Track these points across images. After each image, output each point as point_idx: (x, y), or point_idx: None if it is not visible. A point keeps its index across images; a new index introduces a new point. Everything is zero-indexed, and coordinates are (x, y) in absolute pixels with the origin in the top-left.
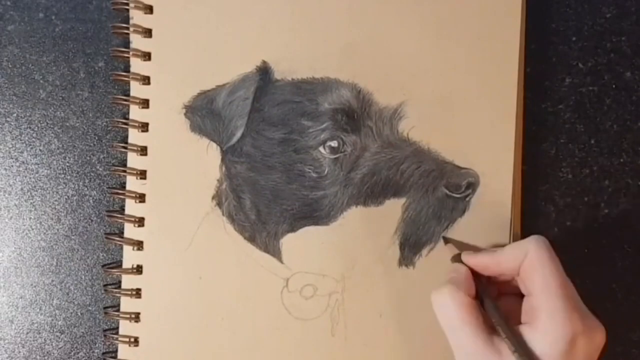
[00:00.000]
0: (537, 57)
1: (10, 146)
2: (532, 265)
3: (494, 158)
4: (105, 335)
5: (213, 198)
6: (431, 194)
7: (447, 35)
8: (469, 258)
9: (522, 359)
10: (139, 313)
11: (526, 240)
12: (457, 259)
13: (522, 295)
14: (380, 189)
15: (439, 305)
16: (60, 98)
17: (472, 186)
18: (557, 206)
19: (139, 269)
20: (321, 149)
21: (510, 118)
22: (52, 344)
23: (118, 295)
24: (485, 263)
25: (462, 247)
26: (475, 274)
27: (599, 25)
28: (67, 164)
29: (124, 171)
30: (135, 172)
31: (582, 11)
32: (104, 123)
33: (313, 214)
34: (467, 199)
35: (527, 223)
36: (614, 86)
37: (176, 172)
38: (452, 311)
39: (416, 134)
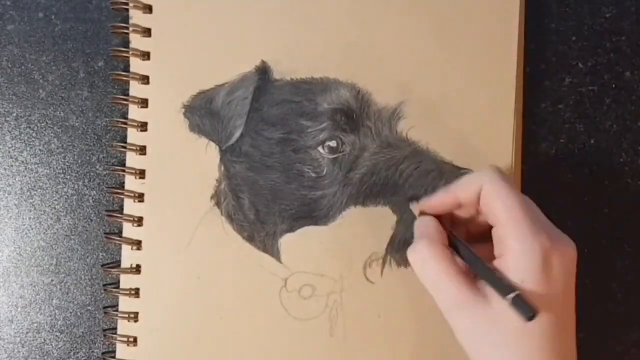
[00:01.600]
0: (537, 57)
1: (10, 146)
2: (490, 195)
3: (493, 158)
4: (104, 335)
5: (212, 198)
6: (430, 194)
7: (446, 35)
8: (427, 201)
9: (504, 295)
10: (137, 313)
11: (480, 172)
12: (422, 214)
13: (490, 239)
14: (379, 189)
15: (419, 261)
16: (60, 98)
17: None
18: (557, 206)
19: (137, 269)
20: (320, 148)
21: (509, 118)
22: (51, 344)
23: (117, 295)
24: (443, 200)
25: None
26: (442, 223)
27: (599, 25)
28: (67, 164)
29: (123, 170)
30: (134, 171)
31: (581, 11)
32: (104, 123)
33: (312, 213)
34: None
35: None
36: (613, 86)
37: (175, 172)
38: (433, 265)
39: (415, 134)
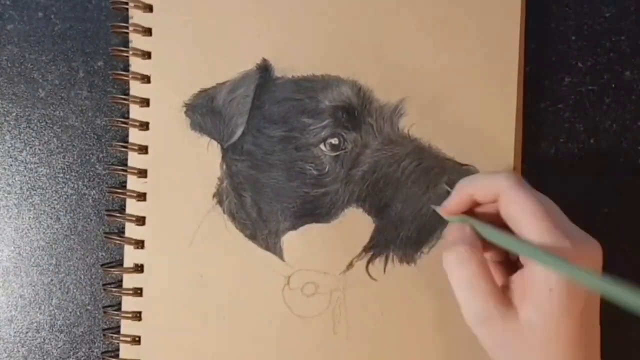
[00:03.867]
0: (536, 56)
1: (10, 145)
2: (511, 204)
3: (494, 155)
4: (104, 335)
5: (214, 196)
6: (432, 191)
7: (448, 33)
8: (449, 202)
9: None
10: (140, 312)
11: (498, 176)
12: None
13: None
14: (381, 186)
15: (456, 263)
16: (60, 97)
17: None
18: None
19: (140, 268)
20: (322, 146)
21: (510, 115)
22: (51, 344)
23: (118, 294)
24: (460, 201)
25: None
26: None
27: (599, 25)
28: (67, 163)
29: (125, 170)
30: (135, 171)
31: (581, 11)
32: (104, 122)
33: (314, 211)
34: None
35: None
36: (613, 85)
37: (177, 171)
38: (470, 269)
39: (417, 131)
